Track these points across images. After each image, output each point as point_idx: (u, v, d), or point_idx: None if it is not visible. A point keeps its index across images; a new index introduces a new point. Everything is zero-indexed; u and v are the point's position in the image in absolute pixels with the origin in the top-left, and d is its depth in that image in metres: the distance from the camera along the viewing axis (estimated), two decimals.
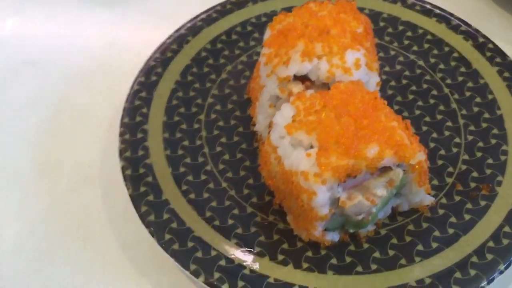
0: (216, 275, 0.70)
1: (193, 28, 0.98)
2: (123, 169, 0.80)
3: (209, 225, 0.76)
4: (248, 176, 0.82)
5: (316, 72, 0.76)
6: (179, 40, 0.97)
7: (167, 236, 0.74)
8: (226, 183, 0.81)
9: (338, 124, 0.67)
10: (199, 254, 0.73)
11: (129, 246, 0.81)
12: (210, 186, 0.81)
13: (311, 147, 0.67)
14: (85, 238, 0.82)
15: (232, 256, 0.73)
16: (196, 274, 0.71)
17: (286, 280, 0.71)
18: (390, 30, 0.98)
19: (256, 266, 0.72)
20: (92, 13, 1.14)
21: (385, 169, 0.68)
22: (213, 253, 0.73)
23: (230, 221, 0.77)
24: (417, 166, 0.69)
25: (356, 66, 0.76)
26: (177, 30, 0.98)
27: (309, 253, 0.74)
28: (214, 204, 0.79)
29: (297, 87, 0.76)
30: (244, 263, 0.72)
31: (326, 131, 0.66)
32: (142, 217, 0.76)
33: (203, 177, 0.82)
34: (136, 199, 0.77)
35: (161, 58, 0.94)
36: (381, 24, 0.99)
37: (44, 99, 0.99)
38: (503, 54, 0.91)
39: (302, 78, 0.78)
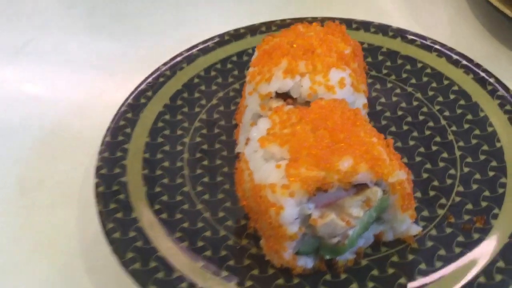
0: None
1: (189, 56, 0.97)
2: (96, 185, 0.77)
3: (177, 246, 0.71)
4: (226, 199, 0.77)
5: (298, 89, 0.73)
6: (173, 67, 0.96)
7: (130, 255, 0.69)
8: (202, 205, 0.77)
9: (313, 136, 0.63)
10: (160, 275, 0.67)
11: (95, 269, 0.76)
12: (185, 207, 0.76)
13: (283, 159, 0.63)
14: (53, 259, 0.78)
15: (195, 280, 0.67)
16: None
17: None
18: (388, 63, 0.95)
19: None
20: (95, 44, 1.15)
21: (362, 187, 0.62)
22: (175, 275, 0.67)
23: (200, 243, 0.71)
24: (398, 187, 0.63)
25: (340, 85, 0.72)
26: (173, 58, 0.97)
27: (281, 281, 0.67)
28: (185, 225, 0.74)
29: (278, 104, 0.73)
30: None
31: (299, 142, 0.62)
32: (108, 234, 0.71)
33: (178, 197, 0.77)
34: (104, 216, 0.73)
35: (153, 82, 0.93)
36: (380, 57, 0.96)
37: (38, 122, 0.98)
38: (505, 88, 0.87)
39: (285, 96, 0.74)
